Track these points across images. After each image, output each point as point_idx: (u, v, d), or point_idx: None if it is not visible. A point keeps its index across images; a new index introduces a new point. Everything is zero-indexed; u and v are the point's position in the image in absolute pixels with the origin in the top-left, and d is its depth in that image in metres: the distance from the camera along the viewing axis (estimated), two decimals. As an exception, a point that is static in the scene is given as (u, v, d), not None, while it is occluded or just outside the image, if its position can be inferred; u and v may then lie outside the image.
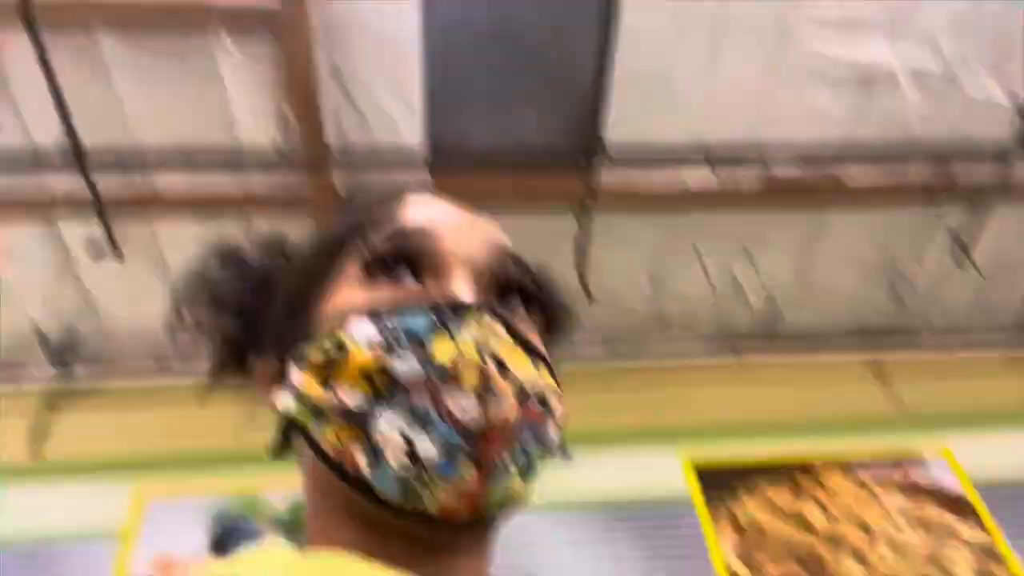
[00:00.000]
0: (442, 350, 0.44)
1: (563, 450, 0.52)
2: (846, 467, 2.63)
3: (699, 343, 3.08)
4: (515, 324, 0.49)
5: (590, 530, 2.45)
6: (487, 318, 0.47)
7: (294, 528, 2.49)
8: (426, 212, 0.54)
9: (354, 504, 0.46)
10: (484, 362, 0.44)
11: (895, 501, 2.54)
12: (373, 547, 0.45)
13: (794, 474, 2.61)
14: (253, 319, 0.59)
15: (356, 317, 0.47)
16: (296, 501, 2.49)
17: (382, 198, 0.57)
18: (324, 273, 0.54)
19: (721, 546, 2.42)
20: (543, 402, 0.48)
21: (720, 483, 2.57)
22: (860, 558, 2.40)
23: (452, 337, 0.45)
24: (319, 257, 0.56)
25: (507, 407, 0.44)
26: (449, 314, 0.46)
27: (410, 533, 0.45)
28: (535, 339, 0.52)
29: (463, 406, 0.43)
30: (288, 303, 0.56)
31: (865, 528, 2.48)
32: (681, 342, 3.06)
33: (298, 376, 0.48)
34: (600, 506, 2.49)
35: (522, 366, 0.47)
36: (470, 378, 0.44)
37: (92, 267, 2.60)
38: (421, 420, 0.43)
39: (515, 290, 0.53)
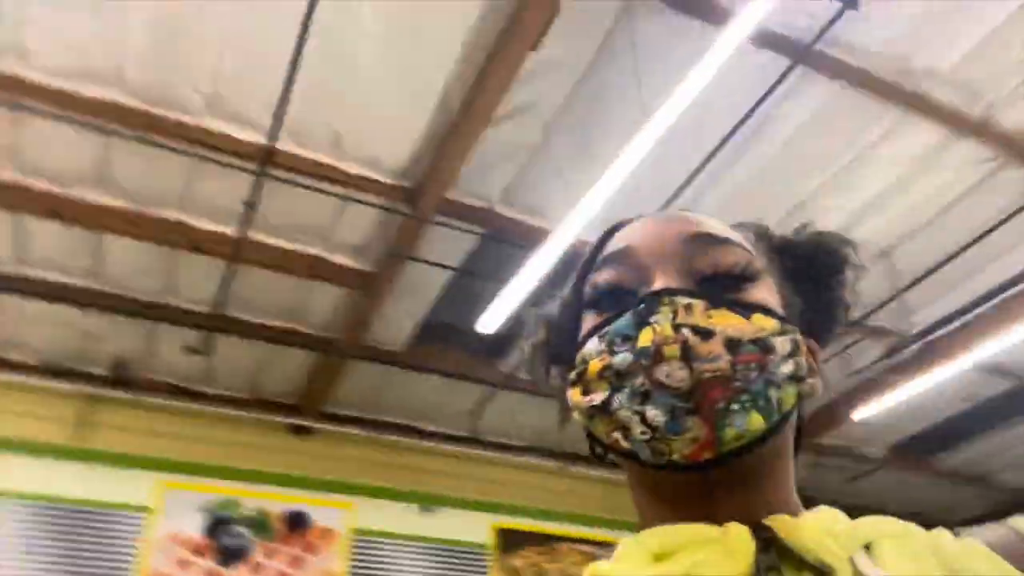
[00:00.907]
0: (644, 337, 0.53)
1: (809, 373, 0.57)
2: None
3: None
4: (716, 293, 0.56)
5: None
6: (679, 297, 0.54)
7: (258, 525, 4.66)
8: (625, 235, 0.63)
9: (645, 478, 0.57)
10: (678, 334, 0.52)
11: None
12: (676, 511, 0.55)
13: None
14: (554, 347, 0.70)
15: (589, 339, 0.58)
16: (260, 507, 5.05)
17: (595, 244, 0.66)
18: (574, 313, 0.65)
19: None
20: (760, 343, 0.53)
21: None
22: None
23: (650, 324, 0.54)
24: (571, 301, 0.66)
25: (714, 362, 0.52)
26: (644, 307, 0.55)
27: (685, 488, 0.55)
28: (746, 293, 0.57)
29: (670, 374, 0.52)
30: (565, 342, 0.65)
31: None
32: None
33: (569, 392, 0.59)
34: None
35: (731, 323, 0.54)
36: (671, 351, 0.52)
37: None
38: (643, 395, 0.52)
39: (723, 258, 0.58)
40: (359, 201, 3.91)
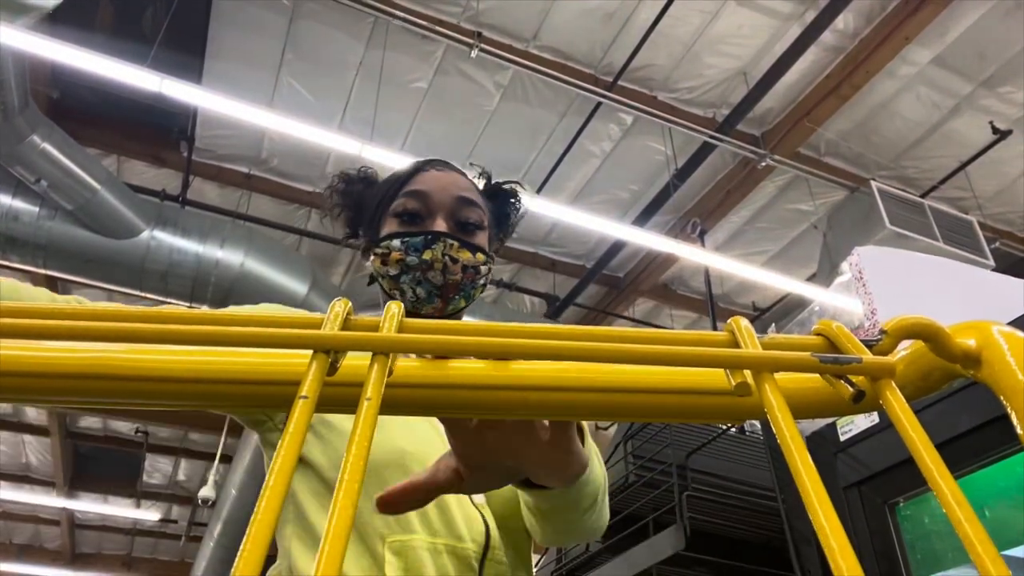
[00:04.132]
0: (427, 254, 1.02)
1: (489, 273, 1.10)
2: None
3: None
4: (463, 237, 1.05)
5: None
6: (446, 238, 1.03)
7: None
8: (424, 180, 1.09)
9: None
10: (443, 258, 1.02)
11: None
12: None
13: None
14: (358, 216, 1.16)
15: (394, 237, 1.04)
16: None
17: (407, 170, 1.13)
18: (383, 208, 1.09)
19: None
20: (475, 269, 1.05)
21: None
22: None
23: (431, 248, 1.02)
24: (382, 199, 1.11)
25: (455, 276, 1.03)
26: (431, 237, 1.03)
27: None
28: (477, 239, 1.07)
29: (433, 277, 1.02)
30: (370, 216, 1.12)
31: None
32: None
33: (373, 259, 1.06)
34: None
35: (465, 256, 1.04)
36: (438, 265, 1.02)
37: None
38: (417, 281, 1.03)
39: (471, 216, 1.08)
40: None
